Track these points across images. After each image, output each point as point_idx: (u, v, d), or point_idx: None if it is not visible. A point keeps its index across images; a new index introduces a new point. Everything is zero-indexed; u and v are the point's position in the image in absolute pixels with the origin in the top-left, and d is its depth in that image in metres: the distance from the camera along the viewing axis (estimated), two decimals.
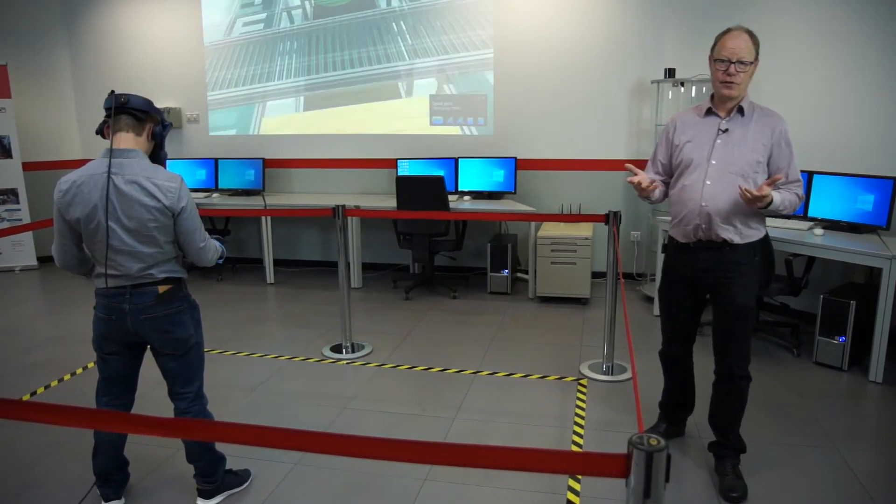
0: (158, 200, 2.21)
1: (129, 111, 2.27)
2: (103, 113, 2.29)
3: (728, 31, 2.47)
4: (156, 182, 2.22)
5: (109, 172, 2.18)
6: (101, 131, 2.33)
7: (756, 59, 2.45)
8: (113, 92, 2.28)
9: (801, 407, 3.34)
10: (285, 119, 6.33)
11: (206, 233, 2.43)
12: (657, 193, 2.65)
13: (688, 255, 2.60)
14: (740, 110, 2.50)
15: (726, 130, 2.50)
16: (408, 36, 5.89)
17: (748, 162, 2.46)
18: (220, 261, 2.54)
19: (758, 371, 3.68)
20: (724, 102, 2.51)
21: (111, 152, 2.21)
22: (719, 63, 2.44)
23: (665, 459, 1.21)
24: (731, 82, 2.42)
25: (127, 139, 2.27)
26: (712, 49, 2.50)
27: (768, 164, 2.50)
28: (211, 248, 2.43)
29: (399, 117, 6.08)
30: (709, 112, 2.56)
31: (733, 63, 2.40)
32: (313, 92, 6.20)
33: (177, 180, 2.27)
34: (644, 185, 2.55)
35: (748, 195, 2.35)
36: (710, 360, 2.68)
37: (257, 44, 6.24)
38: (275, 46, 6.21)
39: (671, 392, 2.95)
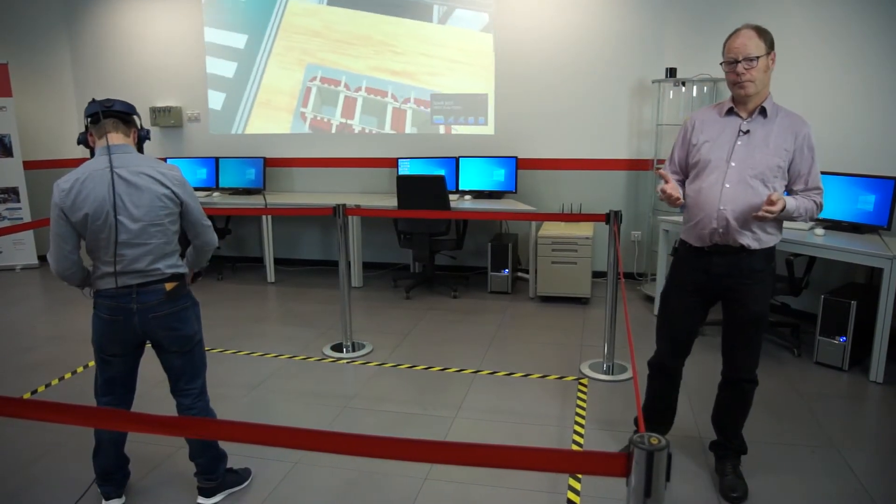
0: (168, 188, 2.28)
1: (115, 114, 2.31)
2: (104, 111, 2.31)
3: (734, 31, 2.41)
4: (161, 170, 2.29)
5: (112, 167, 2.20)
6: (84, 141, 2.35)
7: (769, 52, 2.36)
8: (94, 100, 2.31)
9: (802, 407, 3.34)
10: (311, 7, 6.05)
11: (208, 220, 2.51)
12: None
13: (701, 260, 2.52)
14: (763, 111, 2.41)
15: (747, 132, 2.41)
16: None
17: (769, 166, 2.38)
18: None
19: (758, 371, 3.69)
20: (744, 102, 2.43)
21: (109, 148, 2.23)
22: (727, 65, 2.39)
23: (666, 459, 1.21)
24: (742, 81, 2.35)
25: (118, 139, 2.31)
26: (722, 54, 2.44)
27: (788, 169, 2.43)
28: (212, 228, 2.53)
29: (428, 44, 5.81)
30: (730, 111, 2.47)
31: (740, 61, 2.33)
32: None
33: (177, 169, 2.37)
34: (671, 194, 2.44)
35: (766, 215, 2.30)
36: (709, 359, 2.68)
37: None
38: None
39: (653, 404, 2.79)
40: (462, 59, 5.82)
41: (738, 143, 2.42)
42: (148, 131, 2.47)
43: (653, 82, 5.29)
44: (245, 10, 6.20)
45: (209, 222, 2.50)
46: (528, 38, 5.64)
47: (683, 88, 5.16)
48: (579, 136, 5.69)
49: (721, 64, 2.43)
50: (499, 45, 5.72)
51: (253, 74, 6.29)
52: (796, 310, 4.60)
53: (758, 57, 2.33)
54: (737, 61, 2.34)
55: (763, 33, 2.37)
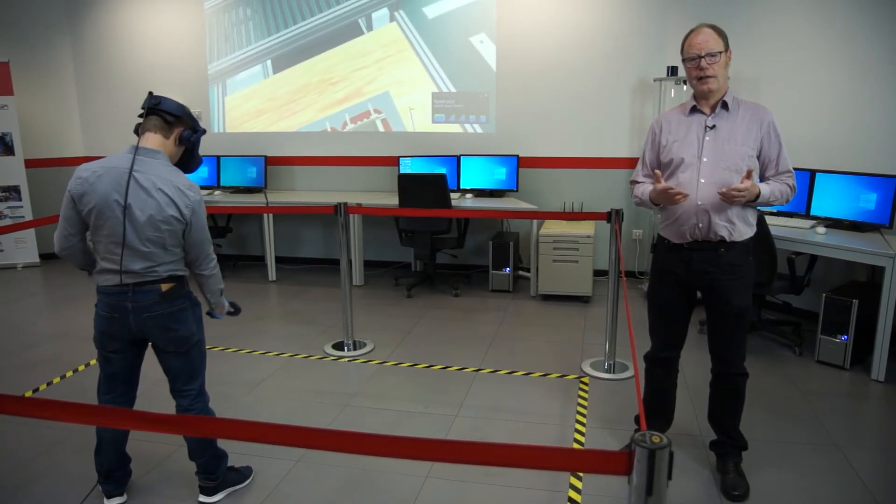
0: (176, 206, 2.24)
1: (159, 112, 2.28)
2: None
3: (691, 30, 2.49)
4: (177, 186, 2.25)
5: (132, 170, 2.19)
6: (136, 130, 2.35)
7: (726, 49, 2.44)
8: (151, 93, 2.30)
9: (803, 406, 3.33)
10: (253, 90, 6.32)
11: (214, 255, 2.43)
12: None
13: (682, 256, 2.55)
14: (724, 105, 2.47)
15: (713, 126, 2.47)
16: None
17: (740, 156, 2.43)
18: (230, 311, 2.58)
19: (760, 369, 3.70)
20: (706, 98, 2.49)
21: (136, 149, 2.23)
22: (690, 62, 2.45)
23: (668, 457, 1.21)
24: (706, 76, 2.41)
25: (154, 140, 2.29)
26: (682, 51, 2.50)
27: (758, 157, 2.48)
28: (216, 271, 2.43)
29: (363, 55, 6.04)
30: (693, 110, 2.53)
31: (703, 57, 2.40)
32: (279, 52, 6.19)
33: (195, 189, 2.31)
34: (675, 190, 2.40)
35: (732, 193, 2.33)
36: (706, 358, 2.68)
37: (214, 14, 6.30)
38: (228, 16, 6.25)
39: (652, 398, 2.81)
40: (388, 54, 6.00)
41: (707, 138, 2.48)
42: (198, 131, 2.39)
43: (654, 80, 5.28)
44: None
45: (210, 261, 2.39)
46: (529, 36, 5.64)
47: (685, 87, 5.15)
48: (581, 134, 5.68)
49: (684, 62, 2.50)
50: (500, 44, 5.72)
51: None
52: (798, 308, 4.59)
53: (719, 52, 2.41)
54: (700, 57, 2.41)
55: (720, 32, 2.46)
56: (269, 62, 6.25)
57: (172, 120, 2.31)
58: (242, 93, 6.37)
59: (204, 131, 2.47)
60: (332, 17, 6.03)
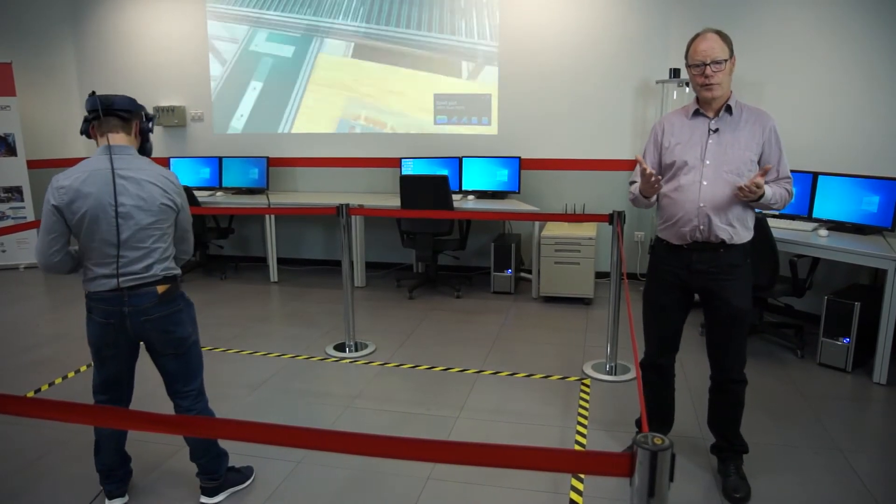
0: (168, 195, 2.28)
1: (115, 112, 2.29)
2: None
3: (697, 35, 2.48)
4: (161, 175, 2.30)
5: (113, 169, 2.20)
6: (86, 131, 2.33)
7: (731, 55, 2.44)
8: (94, 93, 2.29)
9: (805, 408, 3.33)
10: (338, 61, 6.14)
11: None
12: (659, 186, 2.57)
13: (681, 257, 2.56)
14: (728, 109, 2.48)
15: (717, 130, 2.48)
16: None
17: (742, 161, 2.44)
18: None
19: (761, 372, 3.70)
20: (709, 103, 2.49)
21: (110, 149, 2.23)
22: (695, 68, 2.44)
23: (669, 459, 1.21)
24: (710, 83, 2.41)
25: (120, 138, 2.30)
26: (686, 56, 2.50)
27: (759, 162, 2.49)
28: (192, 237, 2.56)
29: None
30: (696, 113, 2.53)
31: (708, 65, 2.40)
32: (367, 41, 6.01)
33: (174, 175, 2.37)
34: (651, 171, 2.42)
35: (744, 189, 2.34)
36: (704, 361, 2.67)
37: None
38: None
39: (651, 404, 2.77)
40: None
41: (710, 142, 2.48)
42: (151, 120, 2.42)
43: (657, 83, 5.28)
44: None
45: (192, 240, 2.52)
46: (532, 38, 5.64)
47: (687, 89, 5.14)
48: (583, 136, 5.68)
49: (688, 67, 2.49)
50: (503, 45, 5.72)
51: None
52: (800, 311, 4.59)
53: (724, 60, 2.41)
54: (705, 64, 2.41)
55: (725, 38, 2.45)
56: (351, 45, 6.06)
57: (128, 116, 2.33)
58: (331, 59, 6.13)
59: (155, 117, 2.49)
60: (436, 41, 5.89)
